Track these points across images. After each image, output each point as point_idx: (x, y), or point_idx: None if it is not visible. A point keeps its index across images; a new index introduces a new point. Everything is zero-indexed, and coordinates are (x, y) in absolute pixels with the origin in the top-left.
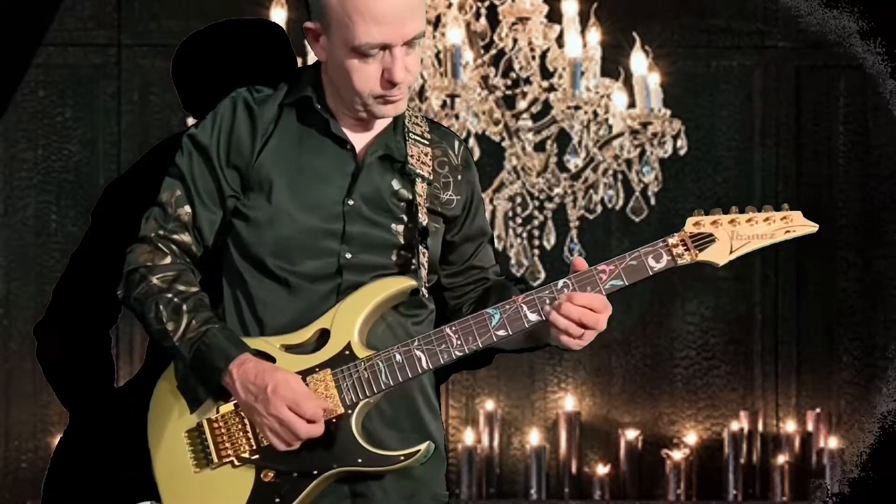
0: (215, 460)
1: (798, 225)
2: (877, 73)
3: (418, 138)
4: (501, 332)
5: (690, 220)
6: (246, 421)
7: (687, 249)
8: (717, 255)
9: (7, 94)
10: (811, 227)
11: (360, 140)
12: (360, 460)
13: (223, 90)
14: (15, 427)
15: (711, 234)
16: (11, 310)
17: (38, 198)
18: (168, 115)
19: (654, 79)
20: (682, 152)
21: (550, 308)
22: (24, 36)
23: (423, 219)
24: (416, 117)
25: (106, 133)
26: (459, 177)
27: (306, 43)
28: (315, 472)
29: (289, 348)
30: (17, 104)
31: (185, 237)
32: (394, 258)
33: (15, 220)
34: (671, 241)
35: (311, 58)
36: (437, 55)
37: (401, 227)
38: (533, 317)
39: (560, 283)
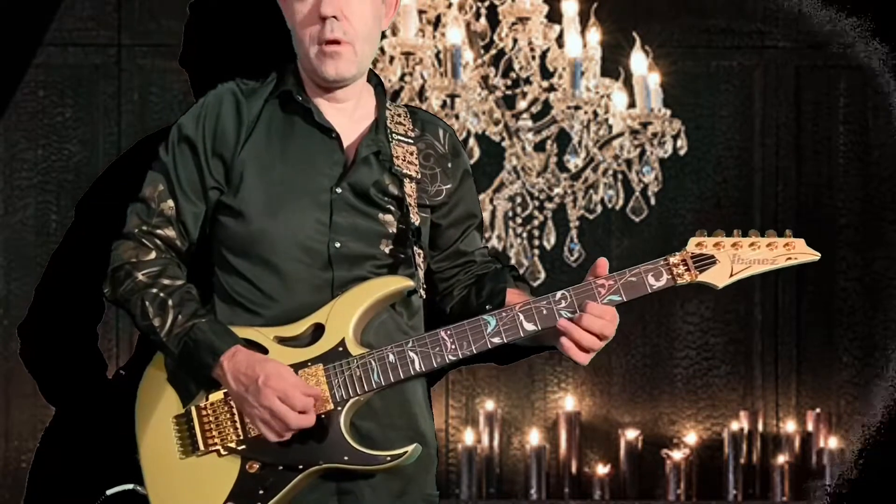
0: (201, 448)
1: (800, 252)
2: (878, 72)
3: (402, 138)
4: (496, 340)
5: (693, 241)
6: (234, 410)
7: (687, 270)
8: (717, 277)
9: (7, 94)
10: (813, 256)
11: (344, 130)
12: (345, 458)
13: (230, 62)
14: (15, 427)
15: (713, 256)
16: (11, 310)
17: (38, 198)
18: (168, 115)
19: (654, 79)
20: (682, 152)
21: (570, 324)
22: (24, 36)
23: (416, 219)
24: (399, 114)
25: (106, 133)
26: (449, 164)
27: None
28: (300, 467)
29: (282, 340)
30: (17, 104)
31: (170, 232)
32: (383, 248)
33: (15, 220)
34: (672, 260)
35: None
36: (437, 55)
37: (389, 217)
38: (529, 326)
39: (558, 294)
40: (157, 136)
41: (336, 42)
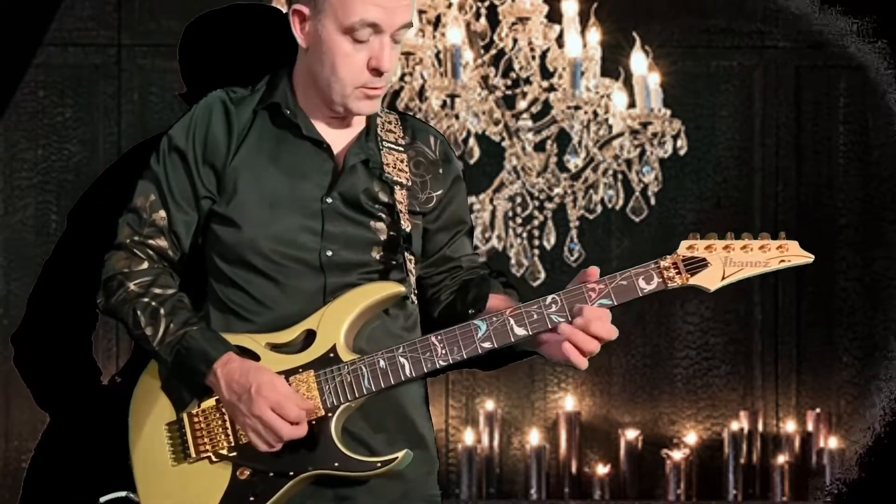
0: (193, 455)
1: (793, 255)
2: (877, 73)
3: (392, 146)
4: (487, 345)
5: (684, 244)
6: (226, 417)
7: (678, 273)
8: (709, 280)
9: (7, 94)
10: (807, 258)
11: (334, 139)
12: (336, 464)
13: (226, 74)
14: (15, 427)
15: (704, 259)
16: (11, 310)
17: (38, 198)
18: (168, 115)
19: (654, 79)
20: (682, 152)
21: (573, 328)
22: (24, 36)
23: (407, 225)
24: (390, 122)
25: (106, 133)
26: (440, 170)
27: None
28: (291, 473)
29: (274, 347)
30: (17, 104)
31: (161, 241)
32: (375, 255)
33: (15, 220)
34: (663, 263)
35: None
36: (437, 55)
37: (380, 225)
38: (520, 331)
39: (548, 298)
40: (150, 144)
41: (377, 88)
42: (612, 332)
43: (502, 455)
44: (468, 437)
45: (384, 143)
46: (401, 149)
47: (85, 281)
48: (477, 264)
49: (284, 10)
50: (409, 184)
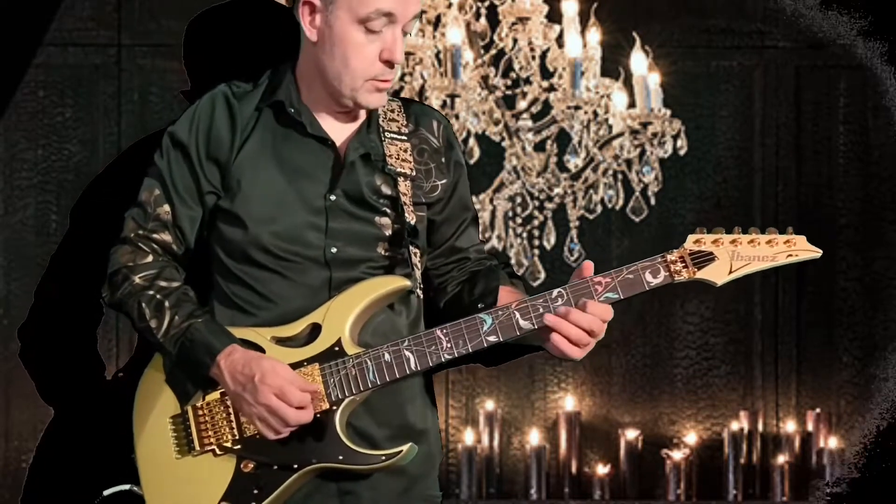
0: (197, 448)
1: (801, 249)
2: (878, 73)
3: (395, 135)
4: (492, 338)
5: (691, 238)
6: (230, 410)
7: (685, 266)
8: (716, 274)
9: (7, 94)
10: (814, 253)
11: (339, 135)
12: (340, 457)
13: (230, 68)
14: (15, 427)
15: (711, 253)
16: (11, 310)
17: (38, 198)
18: (168, 115)
19: (654, 79)
20: (682, 152)
21: (557, 318)
22: (24, 36)
23: (411, 217)
24: (392, 110)
25: (106, 133)
26: (443, 158)
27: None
28: (295, 466)
29: (279, 340)
30: (17, 104)
31: (166, 236)
32: (380, 251)
33: (15, 220)
34: (670, 256)
35: None
36: (437, 55)
37: (385, 220)
38: (525, 325)
39: (555, 292)
40: (148, 142)
41: (388, 81)
42: (593, 323)
43: (502, 455)
44: (468, 437)
45: (386, 133)
46: (404, 138)
47: (90, 275)
48: (484, 254)
49: (286, 5)
50: (414, 174)
